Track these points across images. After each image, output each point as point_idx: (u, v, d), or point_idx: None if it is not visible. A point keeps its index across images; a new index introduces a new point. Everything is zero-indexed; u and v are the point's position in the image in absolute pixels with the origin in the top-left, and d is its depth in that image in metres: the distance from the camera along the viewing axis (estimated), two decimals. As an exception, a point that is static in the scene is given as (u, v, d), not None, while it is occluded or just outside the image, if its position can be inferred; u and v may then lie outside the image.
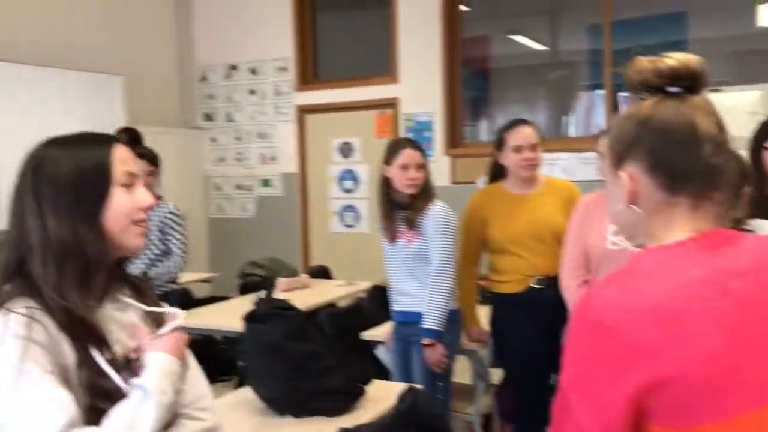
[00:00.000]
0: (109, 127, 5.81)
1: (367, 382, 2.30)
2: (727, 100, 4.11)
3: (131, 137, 5.24)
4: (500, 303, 3.09)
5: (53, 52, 5.64)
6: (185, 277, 5.30)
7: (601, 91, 5.68)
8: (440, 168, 5.85)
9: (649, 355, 0.89)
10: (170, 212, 3.56)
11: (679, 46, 5.24)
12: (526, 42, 6.21)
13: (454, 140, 6.10)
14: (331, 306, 4.15)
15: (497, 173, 3.13)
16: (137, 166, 1.22)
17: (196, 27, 7.15)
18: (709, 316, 0.91)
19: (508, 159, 2.99)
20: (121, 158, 1.18)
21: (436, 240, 2.90)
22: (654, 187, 1.01)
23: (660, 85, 1.03)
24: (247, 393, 2.36)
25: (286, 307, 2.19)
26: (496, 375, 3.43)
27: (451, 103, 6.07)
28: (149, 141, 6.61)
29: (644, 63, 1.04)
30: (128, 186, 1.18)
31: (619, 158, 1.05)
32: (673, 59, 1.02)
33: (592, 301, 0.96)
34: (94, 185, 1.15)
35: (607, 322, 0.92)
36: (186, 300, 4.52)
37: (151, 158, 3.68)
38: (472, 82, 6.31)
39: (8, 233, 1.16)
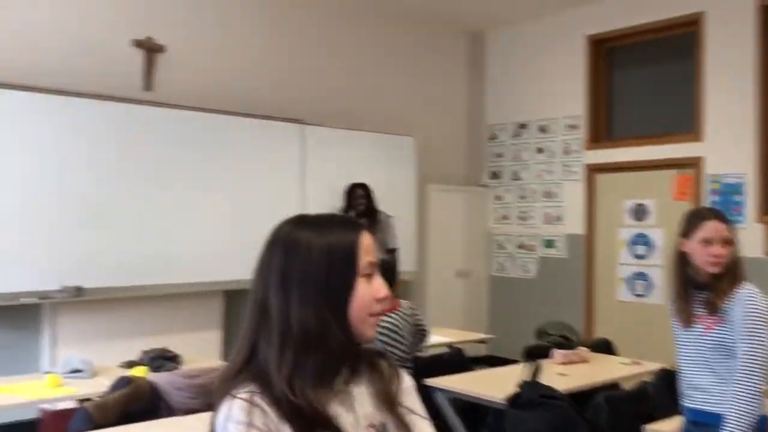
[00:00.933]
0: (401, 183, 6.20)
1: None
2: None
3: (366, 193, 5.54)
4: None
5: (356, 116, 6.17)
6: (461, 336, 5.27)
7: None
8: (752, 237, 5.12)
9: None
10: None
11: None
12: None
13: (772, 206, 5.28)
14: (611, 387, 3.76)
15: None
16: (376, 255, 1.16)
17: (488, 88, 7.30)
18: None
19: None
20: (366, 247, 1.12)
21: (743, 330, 2.44)
22: None
23: None
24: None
25: (552, 396, 1.98)
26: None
27: (767, 162, 5.29)
28: (437, 198, 6.91)
29: None
30: (368, 276, 1.11)
31: None
32: None
33: None
34: (344, 274, 1.09)
35: None
36: (459, 360, 4.47)
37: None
38: (796, 139, 5.43)
39: (248, 312, 1.12)
